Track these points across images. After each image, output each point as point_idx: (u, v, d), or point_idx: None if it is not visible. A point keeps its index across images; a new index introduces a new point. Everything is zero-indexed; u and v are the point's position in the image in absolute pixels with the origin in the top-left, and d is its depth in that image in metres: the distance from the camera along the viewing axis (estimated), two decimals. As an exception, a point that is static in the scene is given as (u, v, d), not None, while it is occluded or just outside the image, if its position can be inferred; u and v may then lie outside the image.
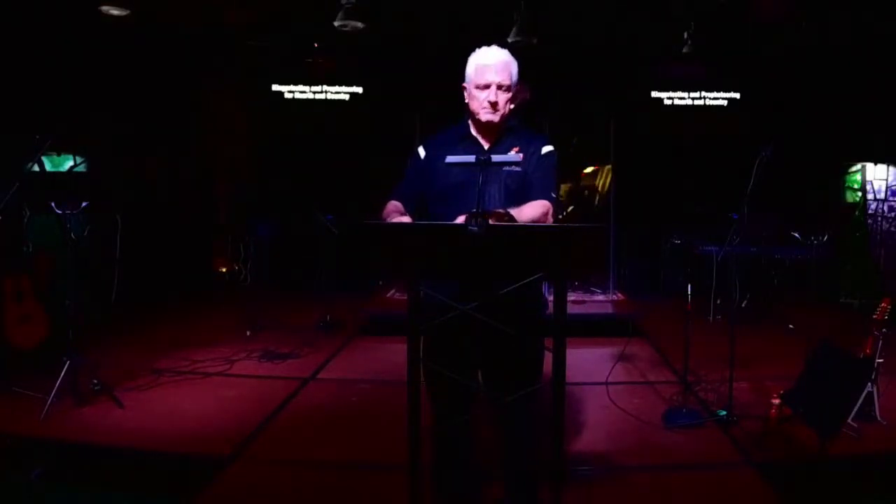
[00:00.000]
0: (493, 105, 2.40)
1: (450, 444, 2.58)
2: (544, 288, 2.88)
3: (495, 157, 2.16)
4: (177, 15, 6.55)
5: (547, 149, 2.51)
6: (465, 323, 2.09)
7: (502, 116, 2.44)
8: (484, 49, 2.44)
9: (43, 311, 4.68)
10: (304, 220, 6.33)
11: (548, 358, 1.99)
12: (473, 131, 2.50)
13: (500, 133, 2.49)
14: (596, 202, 8.19)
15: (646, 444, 3.58)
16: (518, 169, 2.44)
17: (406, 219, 2.37)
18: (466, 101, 2.48)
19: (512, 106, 2.47)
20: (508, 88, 2.42)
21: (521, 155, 2.43)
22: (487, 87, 2.39)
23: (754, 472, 3.21)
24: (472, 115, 2.48)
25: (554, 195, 2.48)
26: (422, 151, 2.56)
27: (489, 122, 2.43)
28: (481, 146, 2.46)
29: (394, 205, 2.48)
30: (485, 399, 2.65)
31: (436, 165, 2.44)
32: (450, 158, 2.19)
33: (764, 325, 6.21)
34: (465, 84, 2.47)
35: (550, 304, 2.02)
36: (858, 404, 3.49)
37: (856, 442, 3.43)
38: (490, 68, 2.38)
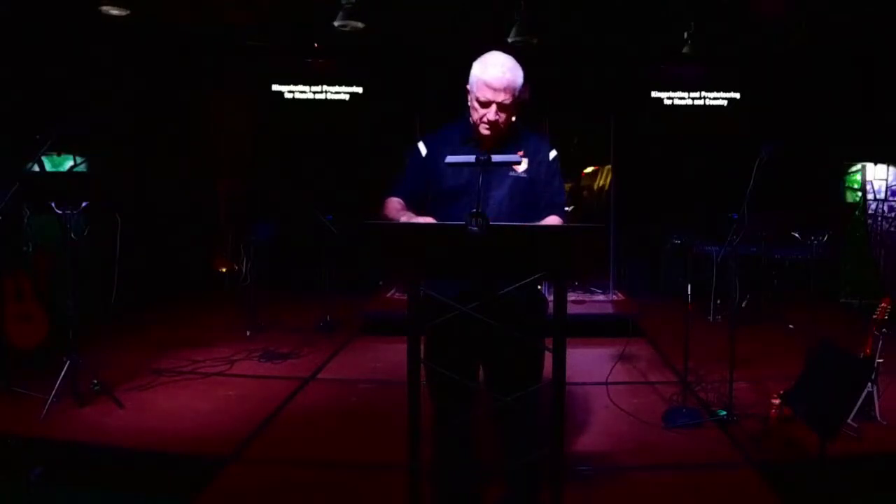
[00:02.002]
0: (493, 124, 2.38)
1: (450, 443, 2.58)
2: (544, 288, 2.88)
3: (495, 157, 2.16)
4: (177, 15, 6.55)
5: (553, 154, 2.52)
6: (466, 323, 2.09)
7: (503, 130, 2.42)
8: (490, 60, 2.36)
9: (43, 311, 4.69)
10: (304, 220, 6.32)
11: (548, 358, 1.98)
12: (476, 135, 2.47)
13: (504, 138, 2.46)
14: (596, 202, 8.20)
15: (646, 444, 3.58)
16: (525, 176, 2.44)
17: (410, 216, 2.37)
18: (468, 104, 2.44)
19: (513, 119, 2.43)
20: (510, 105, 2.37)
21: (522, 157, 2.42)
22: (488, 105, 2.36)
23: (754, 472, 3.21)
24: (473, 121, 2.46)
25: (566, 209, 2.52)
26: (422, 148, 2.53)
27: (488, 137, 2.42)
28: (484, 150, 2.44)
29: (396, 202, 2.47)
30: (485, 399, 2.65)
31: (438, 165, 2.42)
32: (449, 158, 2.18)
33: (764, 325, 6.22)
34: (468, 87, 2.42)
35: (551, 304, 2.02)
36: (858, 404, 3.49)
37: (856, 442, 3.43)
38: (491, 87, 2.33)
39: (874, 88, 7.11)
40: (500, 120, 2.38)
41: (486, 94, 2.34)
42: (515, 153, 2.40)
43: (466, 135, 2.48)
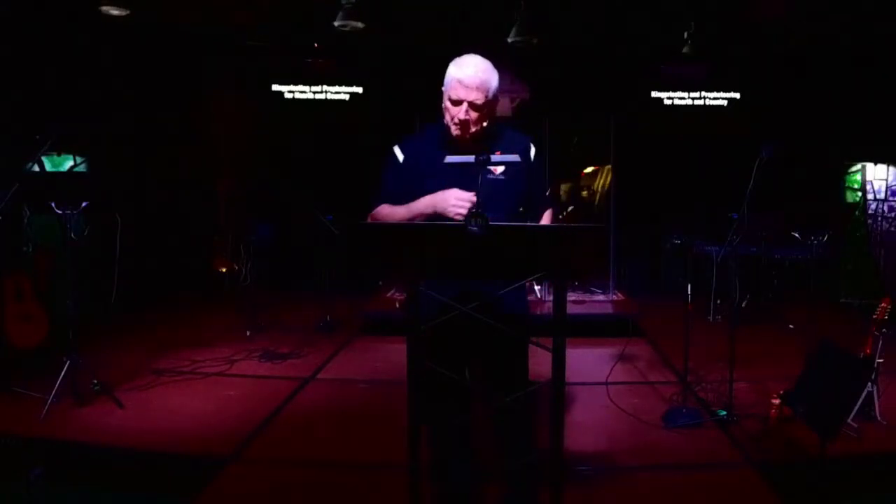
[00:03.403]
0: (463, 123, 2.36)
1: (449, 444, 2.58)
2: (544, 287, 2.89)
3: (495, 157, 2.16)
4: (177, 15, 6.55)
5: (533, 151, 2.52)
6: (462, 323, 2.09)
7: (474, 133, 2.40)
8: (465, 61, 2.37)
9: (43, 311, 4.69)
10: (305, 220, 6.32)
11: (548, 358, 1.98)
12: (450, 137, 2.44)
13: (483, 140, 2.42)
14: (596, 202, 8.20)
15: (646, 444, 3.58)
16: (502, 178, 2.42)
17: (404, 207, 2.40)
18: (442, 105, 2.43)
19: (486, 124, 2.41)
20: (482, 106, 2.36)
21: (518, 156, 2.43)
22: (459, 103, 2.34)
23: (754, 472, 3.21)
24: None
25: (548, 195, 2.60)
26: (399, 154, 2.51)
27: (458, 137, 2.40)
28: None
29: (385, 207, 2.48)
30: (483, 399, 2.66)
31: (419, 168, 2.42)
32: (449, 159, 2.19)
33: (764, 325, 6.21)
34: (442, 88, 2.41)
35: (545, 305, 2.02)
36: (858, 404, 3.49)
37: (856, 442, 3.43)
38: (463, 85, 2.32)
39: (874, 88, 7.10)
40: (471, 119, 2.36)
41: (459, 93, 2.33)
42: (494, 154, 2.39)
43: (444, 139, 2.46)
